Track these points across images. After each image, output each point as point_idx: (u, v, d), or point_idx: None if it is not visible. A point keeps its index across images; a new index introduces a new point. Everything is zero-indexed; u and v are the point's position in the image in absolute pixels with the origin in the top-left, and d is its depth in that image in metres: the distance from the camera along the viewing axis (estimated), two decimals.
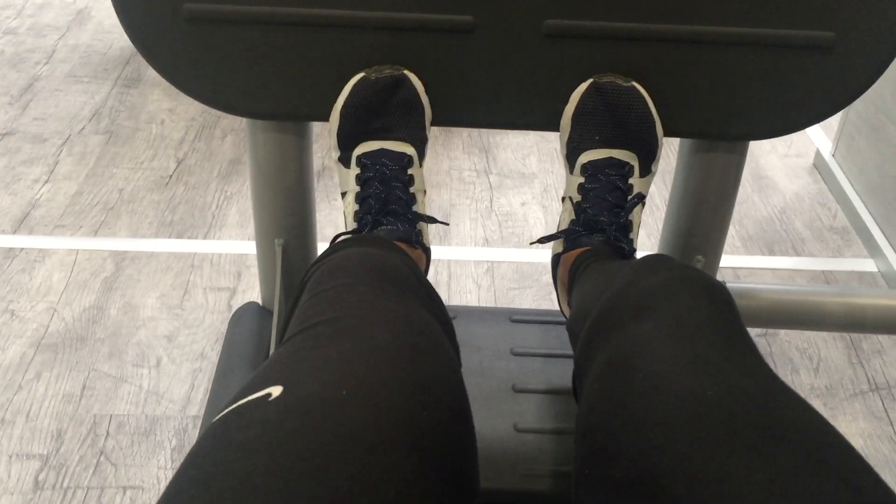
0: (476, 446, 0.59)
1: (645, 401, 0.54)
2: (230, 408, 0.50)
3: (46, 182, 1.89)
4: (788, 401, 0.52)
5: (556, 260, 0.95)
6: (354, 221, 0.90)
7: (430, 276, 1.63)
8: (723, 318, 0.61)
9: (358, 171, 0.89)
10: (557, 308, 1.21)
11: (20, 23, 2.60)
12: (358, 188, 0.89)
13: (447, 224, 0.96)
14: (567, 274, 0.91)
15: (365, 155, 0.88)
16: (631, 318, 0.63)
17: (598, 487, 0.55)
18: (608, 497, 0.53)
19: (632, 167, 0.89)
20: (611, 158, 0.88)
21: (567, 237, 0.91)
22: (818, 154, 2.07)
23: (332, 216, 1.82)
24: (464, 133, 2.14)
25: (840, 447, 0.48)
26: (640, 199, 0.90)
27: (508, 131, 2.15)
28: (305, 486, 0.43)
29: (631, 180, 0.89)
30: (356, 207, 0.89)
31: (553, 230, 0.97)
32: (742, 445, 0.47)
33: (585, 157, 0.89)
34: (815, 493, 0.43)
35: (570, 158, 0.91)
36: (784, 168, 2.08)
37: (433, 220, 0.90)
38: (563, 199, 0.94)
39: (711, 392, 0.51)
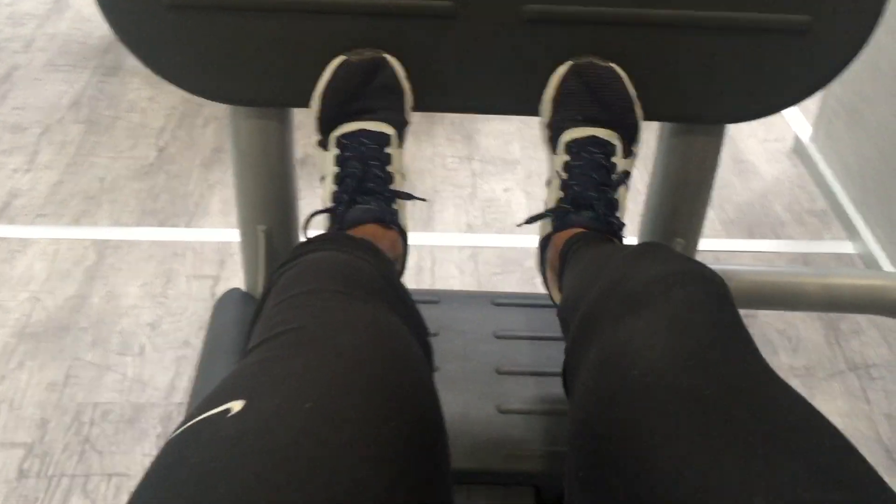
0: (448, 452, 0.57)
1: (639, 399, 0.53)
2: (187, 424, 0.48)
3: (27, 171, 1.88)
4: (788, 400, 0.51)
5: (544, 243, 0.94)
6: (332, 202, 0.90)
7: (413, 262, 1.65)
8: (720, 314, 0.60)
9: (337, 151, 0.89)
10: (539, 292, 1.21)
11: None
12: (337, 169, 0.89)
13: (424, 200, 0.96)
14: (557, 257, 0.90)
15: (344, 136, 0.88)
16: (624, 312, 0.61)
17: (593, 488, 0.54)
18: (603, 498, 0.52)
19: (614, 146, 0.89)
20: (594, 137, 0.89)
21: (556, 215, 0.91)
22: (797, 139, 2.09)
23: (315, 204, 1.82)
24: (446, 120, 2.14)
25: (840, 448, 0.47)
26: (626, 176, 0.90)
27: (491, 118, 2.15)
28: None
29: (614, 159, 0.89)
30: (334, 188, 0.89)
31: None
32: (740, 448, 0.46)
33: (568, 136, 0.90)
34: (815, 498, 0.42)
35: (553, 139, 0.92)
36: (764, 153, 2.10)
37: (410, 197, 0.90)
38: (549, 181, 0.94)
39: (709, 391, 0.50)
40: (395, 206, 0.89)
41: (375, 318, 0.59)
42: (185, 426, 0.48)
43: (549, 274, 0.94)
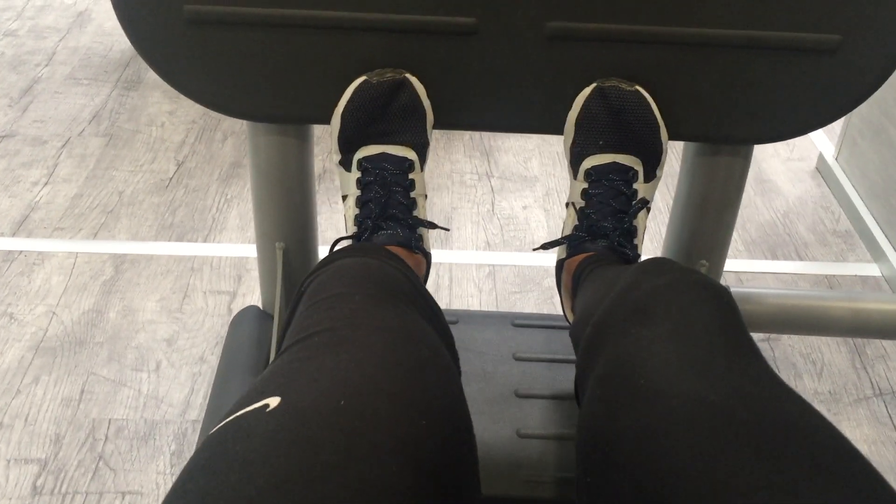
0: (476, 456, 0.59)
1: (646, 406, 0.53)
2: (227, 419, 0.50)
3: (46, 184, 1.88)
4: (793, 405, 0.51)
5: (559, 265, 0.95)
6: (355, 225, 0.89)
7: (432, 280, 1.63)
8: (725, 322, 0.60)
9: (359, 174, 0.89)
10: (559, 312, 1.20)
11: (20, 25, 2.59)
12: (359, 192, 0.89)
13: (447, 230, 0.96)
14: (571, 280, 0.90)
15: (366, 159, 0.88)
16: (632, 321, 0.62)
17: (601, 494, 0.55)
18: (611, 501, 0.53)
19: (636, 172, 0.88)
20: (615, 163, 0.88)
21: (570, 243, 0.91)
22: (821, 158, 2.07)
23: (334, 219, 1.82)
24: (465, 136, 2.13)
25: (846, 452, 0.47)
26: (644, 204, 0.90)
27: (510, 134, 2.14)
28: (301, 497, 0.43)
29: (635, 185, 0.89)
30: (357, 211, 0.89)
31: (555, 233, 0.96)
32: (746, 452, 0.46)
33: (589, 163, 0.89)
34: (815, 493, 0.43)
35: (574, 164, 0.91)
36: (787, 172, 2.07)
37: (433, 226, 0.90)
38: (567, 204, 0.94)
39: (714, 397, 0.51)
40: (418, 233, 0.89)
41: (404, 321, 0.61)
42: (225, 421, 0.49)
43: (563, 295, 0.95)
